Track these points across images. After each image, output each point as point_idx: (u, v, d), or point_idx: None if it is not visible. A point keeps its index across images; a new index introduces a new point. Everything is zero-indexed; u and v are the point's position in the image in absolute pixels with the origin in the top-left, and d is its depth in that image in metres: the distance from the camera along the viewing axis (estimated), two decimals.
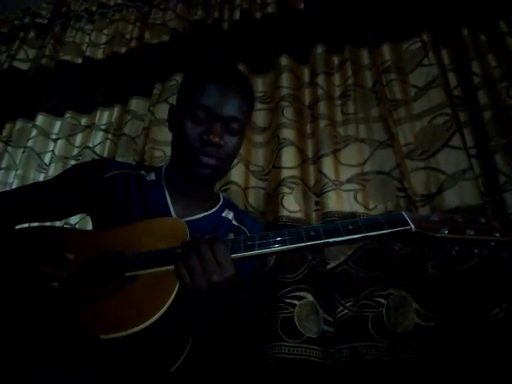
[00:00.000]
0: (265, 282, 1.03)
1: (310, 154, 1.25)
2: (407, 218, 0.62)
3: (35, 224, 0.94)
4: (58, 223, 1.37)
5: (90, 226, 0.94)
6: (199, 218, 0.86)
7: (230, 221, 0.92)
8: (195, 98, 0.83)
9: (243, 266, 0.76)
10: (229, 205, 0.98)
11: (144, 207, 0.84)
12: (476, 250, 0.60)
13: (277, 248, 0.64)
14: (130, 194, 0.86)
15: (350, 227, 0.63)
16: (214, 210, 0.92)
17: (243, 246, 0.65)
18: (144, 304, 0.61)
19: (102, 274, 0.68)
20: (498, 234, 0.58)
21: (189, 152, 0.83)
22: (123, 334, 0.57)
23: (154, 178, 0.91)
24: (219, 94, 0.83)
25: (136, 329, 0.57)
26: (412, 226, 0.61)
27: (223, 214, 0.93)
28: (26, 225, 1.00)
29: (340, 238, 0.62)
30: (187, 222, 0.76)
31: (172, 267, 0.64)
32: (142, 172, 0.92)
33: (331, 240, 0.62)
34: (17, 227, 0.89)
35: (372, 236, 0.62)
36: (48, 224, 0.97)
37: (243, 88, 0.89)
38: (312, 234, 0.64)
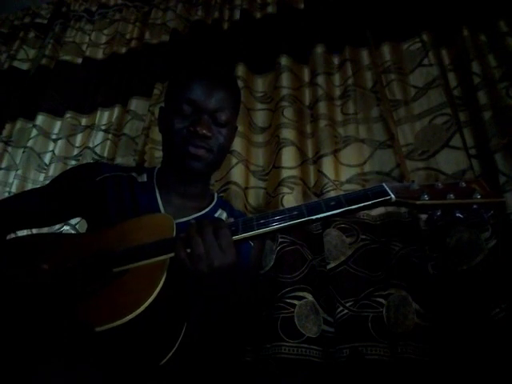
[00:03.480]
0: (259, 279, 1.04)
1: (310, 154, 1.25)
2: (387, 189, 0.63)
3: (34, 230, 0.95)
4: (57, 226, 1.38)
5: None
6: (190, 220, 0.86)
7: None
8: (181, 94, 0.85)
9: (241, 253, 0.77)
10: (223, 204, 0.98)
11: (135, 209, 0.84)
12: (458, 214, 0.61)
13: (262, 230, 0.65)
14: (122, 196, 0.86)
15: (332, 203, 0.64)
16: (206, 210, 0.91)
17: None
18: (131, 295, 0.62)
19: (92, 273, 0.69)
20: (479, 196, 0.59)
21: (177, 146, 0.84)
22: (112, 325, 0.57)
23: (145, 180, 0.92)
24: (204, 87, 0.84)
25: (123, 320, 0.57)
26: (392, 195, 0.62)
27: (216, 215, 0.93)
28: (25, 232, 1.01)
29: (322, 215, 0.63)
30: (178, 223, 0.76)
31: (158, 259, 0.65)
32: (134, 174, 0.93)
33: (314, 217, 0.63)
34: (14, 234, 0.90)
35: (354, 209, 0.63)
36: (46, 230, 0.98)
37: (228, 82, 0.91)
38: (295, 213, 0.65)
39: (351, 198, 0.64)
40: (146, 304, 0.59)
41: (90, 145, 1.59)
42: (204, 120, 0.83)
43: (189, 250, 0.64)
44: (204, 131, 0.81)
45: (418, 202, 0.61)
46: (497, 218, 0.95)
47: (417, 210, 0.63)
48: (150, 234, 0.71)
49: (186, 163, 0.84)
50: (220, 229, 0.64)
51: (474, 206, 0.60)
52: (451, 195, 0.60)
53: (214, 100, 0.84)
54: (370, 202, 0.63)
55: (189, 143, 0.82)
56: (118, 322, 0.57)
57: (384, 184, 0.64)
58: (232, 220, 0.69)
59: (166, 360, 0.64)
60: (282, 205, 1.14)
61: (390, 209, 1.10)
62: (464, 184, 0.63)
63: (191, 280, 0.65)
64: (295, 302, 0.98)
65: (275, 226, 0.65)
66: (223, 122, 0.86)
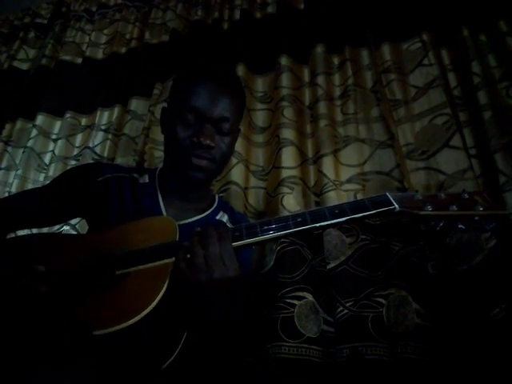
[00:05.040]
0: (259, 279, 1.04)
1: (310, 154, 1.25)
2: (391, 199, 0.64)
3: (34, 230, 0.94)
4: (56, 226, 1.37)
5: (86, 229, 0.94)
6: (192, 222, 0.86)
7: (225, 223, 0.92)
8: (185, 100, 0.83)
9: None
10: (223, 206, 0.98)
11: (136, 210, 0.84)
12: (460, 225, 0.61)
13: (265, 236, 0.65)
14: (123, 197, 0.86)
15: (336, 211, 0.64)
16: (207, 212, 0.91)
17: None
18: (135, 299, 0.62)
19: (93, 275, 0.69)
20: (481, 208, 0.60)
21: (180, 155, 0.83)
22: (115, 329, 0.57)
23: (147, 181, 0.91)
24: (208, 94, 0.82)
25: (126, 324, 0.57)
26: (396, 205, 0.63)
27: (217, 217, 0.93)
28: (26, 231, 1.01)
29: (326, 222, 0.64)
30: (180, 225, 0.76)
31: (161, 262, 0.65)
32: (135, 175, 0.92)
33: (318, 225, 0.64)
34: (14, 233, 0.90)
35: (357, 218, 0.63)
36: (45, 230, 0.98)
37: (233, 87, 0.89)
38: (299, 220, 0.65)
39: (355, 206, 0.64)
40: (149, 309, 0.59)
41: (90, 145, 1.59)
42: (207, 130, 0.81)
43: (188, 255, 0.63)
44: (207, 141, 0.80)
45: (422, 213, 0.61)
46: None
47: (420, 221, 0.63)
48: (153, 237, 0.71)
49: (188, 174, 0.83)
50: (223, 240, 0.63)
51: (476, 218, 0.60)
52: (454, 206, 0.61)
53: (219, 108, 0.83)
54: (373, 212, 0.63)
55: (191, 154, 0.81)
56: (120, 326, 0.57)
57: (388, 193, 0.65)
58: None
59: (167, 364, 0.64)
60: (282, 205, 1.14)
61: None
62: (467, 195, 0.63)
63: (188, 289, 0.64)
64: (295, 301, 0.98)
65: (279, 232, 0.65)
66: (226, 131, 0.85)
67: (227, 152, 0.88)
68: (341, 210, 0.64)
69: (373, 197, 0.66)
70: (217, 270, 0.61)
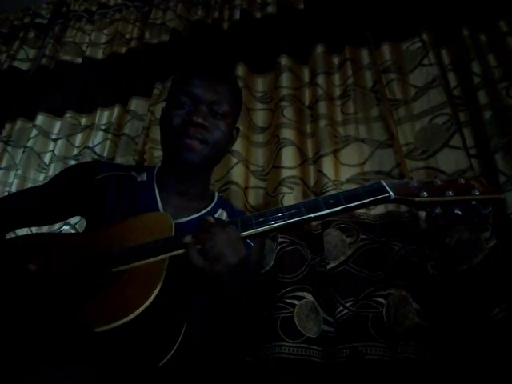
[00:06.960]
0: (259, 279, 1.04)
1: (310, 154, 1.25)
2: (386, 186, 0.62)
3: (33, 229, 0.94)
4: (56, 225, 1.38)
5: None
6: (190, 220, 0.86)
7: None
8: (180, 88, 0.86)
9: None
10: (223, 204, 0.97)
11: (134, 209, 0.84)
12: (457, 211, 0.60)
13: (260, 229, 0.65)
14: (121, 196, 0.86)
15: (331, 201, 0.64)
16: (206, 210, 0.91)
17: None
18: (131, 296, 0.62)
19: (91, 273, 0.69)
20: (477, 193, 0.59)
21: (173, 138, 0.83)
22: (112, 326, 0.57)
23: (145, 179, 0.91)
24: (203, 81, 0.85)
25: (123, 321, 0.57)
26: (391, 193, 0.61)
27: (216, 215, 0.92)
28: (26, 230, 1.01)
29: (321, 213, 0.63)
30: (178, 223, 0.75)
31: (156, 259, 0.65)
32: (133, 173, 0.92)
33: (312, 215, 0.63)
34: (13, 233, 0.90)
35: (352, 207, 0.63)
36: (45, 229, 0.98)
37: (228, 80, 0.92)
38: (293, 211, 0.65)
39: (350, 195, 0.64)
40: (146, 305, 0.59)
41: (90, 144, 1.59)
42: (200, 109, 0.82)
43: (198, 246, 0.63)
44: (200, 120, 0.80)
45: (417, 199, 0.61)
46: (496, 216, 0.95)
47: (416, 207, 0.62)
48: (149, 233, 0.71)
49: (182, 155, 0.82)
50: (226, 226, 0.64)
51: (473, 203, 0.59)
52: (450, 192, 0.60)
53: (213, 92, 0.84)
54: (368, 200, 0.62)
55: (185, 135, 0.81)
56: (118, 323, 0.57)
57: (383, 181, 0.64)
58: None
59: (165, 360, 0.64)
60: (282, 205, 1.13)
61: (389, 208, 1.10)
62: (463, 181, 0.62)
63: (208, 280, 0.65)
64: (295, 301, 0.98)
65: (274, 224, 0.65)
66: (221, 113, 0.85)
67: (221, 138, 0.86)
68: (335, 200, 0.64)
69: (367, 185, 0.65)
70: (231, 255, 0.62)
